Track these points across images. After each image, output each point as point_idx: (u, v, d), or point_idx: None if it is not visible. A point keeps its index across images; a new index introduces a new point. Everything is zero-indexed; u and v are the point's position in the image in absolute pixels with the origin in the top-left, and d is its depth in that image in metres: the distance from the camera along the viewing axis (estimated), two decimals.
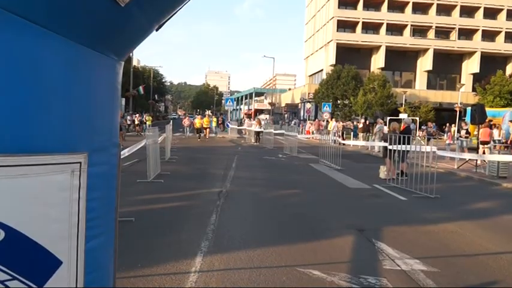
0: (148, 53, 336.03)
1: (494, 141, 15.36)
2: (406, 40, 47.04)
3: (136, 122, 31.82)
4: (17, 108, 1.11)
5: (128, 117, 33.43)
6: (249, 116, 58.77)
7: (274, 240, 5.20)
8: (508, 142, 16.75)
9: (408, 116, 26.88)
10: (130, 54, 37.86)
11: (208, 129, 26.87)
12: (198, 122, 26.51)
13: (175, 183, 9.27)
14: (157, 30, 1.56)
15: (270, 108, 55.28)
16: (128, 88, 39.14)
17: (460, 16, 47.40)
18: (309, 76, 56.55)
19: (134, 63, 50.98)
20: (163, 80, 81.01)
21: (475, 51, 47.02)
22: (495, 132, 16.30)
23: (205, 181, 9.78)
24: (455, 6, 47.26)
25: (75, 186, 1.23)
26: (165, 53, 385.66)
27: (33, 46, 1.15)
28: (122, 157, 7.41)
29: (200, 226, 5.72)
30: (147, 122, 31.30)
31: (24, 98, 1.13)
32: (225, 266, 4.24)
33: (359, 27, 47.46)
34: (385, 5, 47.16)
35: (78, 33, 1.26)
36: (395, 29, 47.64)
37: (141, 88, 44.14)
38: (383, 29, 47.09)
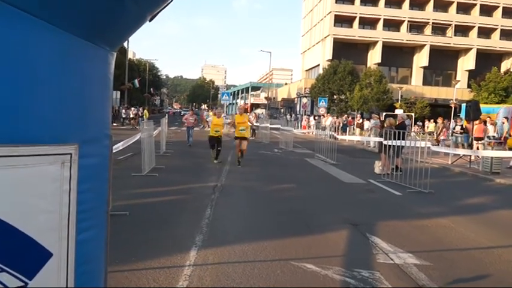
0: (144, 46, 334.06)
1: (488, 137, 15.45)
2: (403, 36, 47.07)
3: (131, 116, 31.64)
4: (5, 98, 1.09)
5: (123, 111, 33.23)
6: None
7: (268, 234, 5.21)
8: (501, 138, 16.84)
9: (404, 111, 26.96)
10: (126, 46, 36.64)
11: (247, 142, 11.96)
12: (215, 122, 12.51)
13: (170, 177, 9.25)
14: (150, 20, 1.54)
15: (266, 102, 55.20)
16: (123, 81, 38.90)
17: (457, 13, 47.48)
18: (306, 71, 56.50)
19: (130, 56, 50.61)
20: (159, 74, 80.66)
21: (471, 48, 47.17)
22: (490, 128, 16.38)
23: (200, 175, 9.77)
24: (452, 2, 47.32)
25: (66, 178, 1.22)
26: (161, 46, 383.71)
27: (23, 35, 1.13)
28: (116, 151, 7.33)
29: (195, 220, 5.72)
30: (145, 116, 31.09)
31: (13, 88, 1.11)
32: (219, 260, 4.24)
33: (356, 23, 47.40)
34: (382, 1, 47.10)
35: (69, 22, 1.24)
36: (392, 25, 47.65)
37: (136, 81, 43.89)
38: (380, 24, 47.07)
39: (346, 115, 30.40)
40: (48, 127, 1.19)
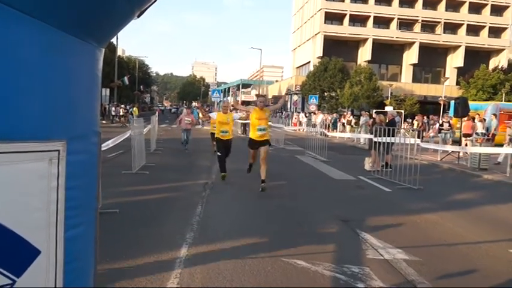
0: (134, 43, 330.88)
1: (477, 133, 15.67)
2: (393, 33, 47.38)
3: (121, 113, 31.40)
4: None
5: (113, 109, 32.95)
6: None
7: (259, 231, 5.22)
8: (489, 135, 17.09)
9: (394, 109, 27.18)
10: (115, 43, 36.08)
11: (267, 149, 7.97)
12: (220, 119, 9.13)
13: (161, 175, 9.21)
14: (138, 16, 1.53)
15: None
16: (113, 78, 38.53)
17: (446, 10, 47.93)
18: (296, 68, 56.57)
19: (119, 53, 50.12)
20: (149, 71, 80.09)
21: (460, 45, 47.67)
22: (479, 124, 16.61)
23: (190, 173, 9.75)
24: (441, 0, 47.72)
25: (54, 175, 1.21)
26: (151, 43, 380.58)
27: (8, 30, 1.12)
28: (106, 148, 7.24)
29: (185, 217, 5.71)
30: (134, 114, 30.87)
31: None
32: (210, 257, 4.24)
33: (346, 20, 47.56)
34: None
35: (55, 17, 1.22)
36: (382, 22, 47.90)
37: (126, 78, 43.48)
38: (370, 21, 47.30)
39: (345, 113, 30.47)
40: (35, 123, 1.18)
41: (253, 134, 7.98)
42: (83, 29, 1.33)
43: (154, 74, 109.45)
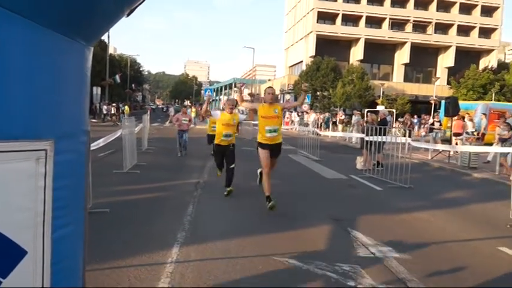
0: (125, 41, 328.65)
1: (467, 133, 15.84)
2: (385, 33, 47.66)
3: (112, 112, 31.20)
4: None
5: (104, 107, 32.73)
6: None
7: (251, 231, 5.22)
8: (479, 134, 17.30)
9: (385, 108, 27.35)
10: (107, 41, 35.75)
11: (278, 155, 6.58)
12: (224, 120, 7.16)
13: (152, 174, 9.16)
14: (128, 15, 1.52)
15: (249, 98, 55.12)
16: (104, 77, 38.21)
17: (437, 11, 48.33)
18: (289, 67, 56.62)
19: (111, 51, 49.71)
20: (141, 69, 79.67)
21: (451, 46, 48.13)
22: (469, 124, 16.78)
23: (182, 172, 9.72)
24: (432, 0, 48.12)
25: (41, 174, 1.19)
26: (143, 41, 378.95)
27: None
28: (97, 147, 7.12)
29: (177, 217, 5.69)
30: (125, 112, 30.71)
31: None
32: (202, 257, 4.23)
33: (339, 19, 47.74)
34: None
35: (43, 16, 1.21)
36: (374, 22, 48.15)
37: (117, 77, 43.10)
38: (362, 21, 47.53)
39: (337, 112, 30.60)
40: (21, 123, 1.17)
41: (262, 137, 6.27)
42: (72, 27, 1.32)
43: (146, 73, 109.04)
